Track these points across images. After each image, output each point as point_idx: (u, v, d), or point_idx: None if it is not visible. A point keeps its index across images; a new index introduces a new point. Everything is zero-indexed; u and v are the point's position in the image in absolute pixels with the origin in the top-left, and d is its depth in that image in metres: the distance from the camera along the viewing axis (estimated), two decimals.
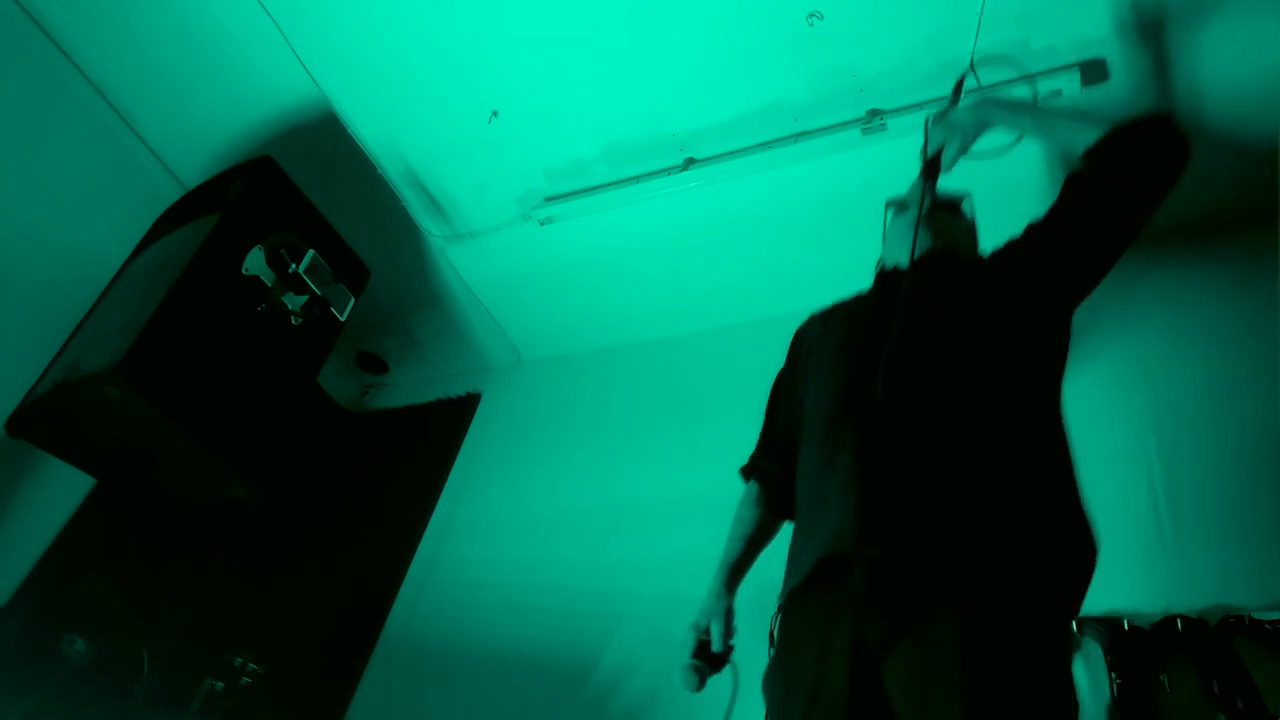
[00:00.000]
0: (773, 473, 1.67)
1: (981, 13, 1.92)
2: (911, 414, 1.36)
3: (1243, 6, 1.86)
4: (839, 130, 2.22)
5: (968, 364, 1.39)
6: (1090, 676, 1.62)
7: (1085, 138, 1.45)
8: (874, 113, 2.18)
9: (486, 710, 2.32)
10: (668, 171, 2.45)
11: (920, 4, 2.00)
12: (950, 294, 1.49)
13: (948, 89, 2.06)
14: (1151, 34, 1.93)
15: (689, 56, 2.23)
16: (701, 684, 1.46)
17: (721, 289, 2.79)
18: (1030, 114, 1.60)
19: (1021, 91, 1.78)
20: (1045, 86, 1.99)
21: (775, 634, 1.43)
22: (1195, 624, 1.61)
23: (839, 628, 1.27)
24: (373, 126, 2.63)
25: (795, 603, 1.38)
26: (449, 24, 2.32)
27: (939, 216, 1.67)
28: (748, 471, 1.72)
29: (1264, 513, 1.70)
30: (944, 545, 1.24)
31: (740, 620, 1.56)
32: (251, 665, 2.47)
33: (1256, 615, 1.58)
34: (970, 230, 1.76)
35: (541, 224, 2.66)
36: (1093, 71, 1.99)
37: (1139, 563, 1.75)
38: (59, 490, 2.64)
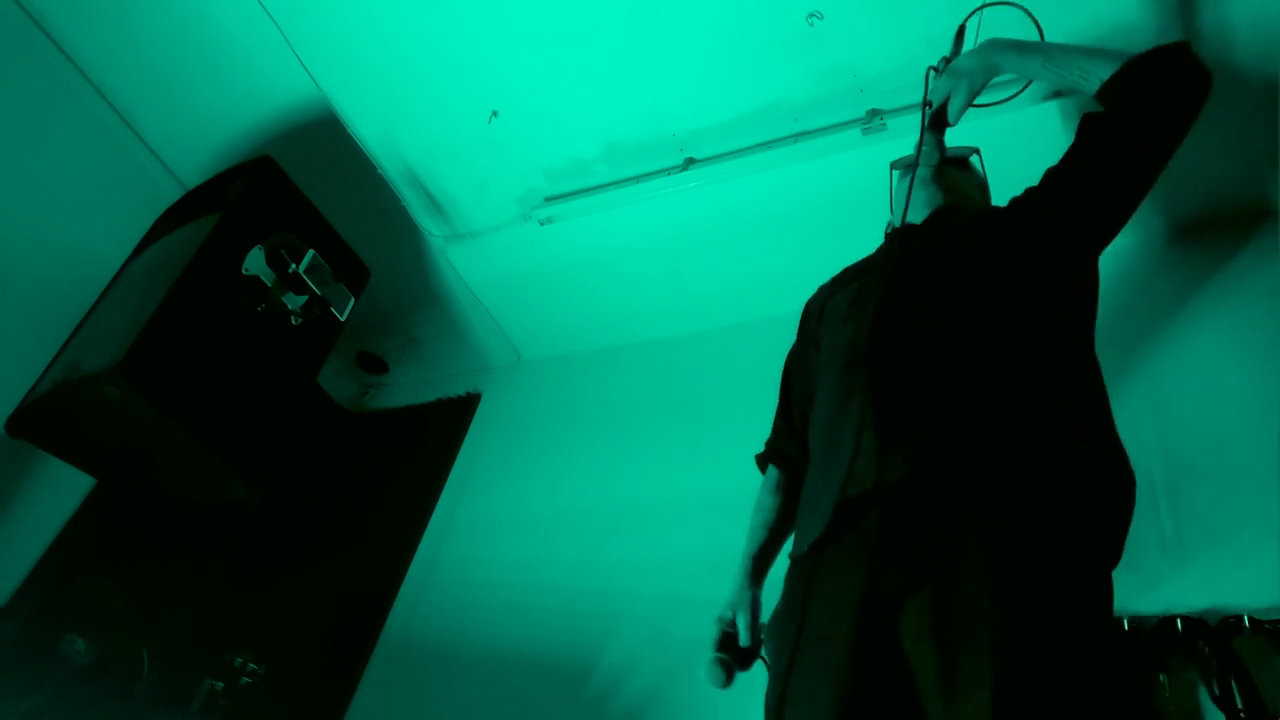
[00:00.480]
0: (792, 455, 1.61)
1: (981, 12, 1.92)
2: (929, 356, 1.31)
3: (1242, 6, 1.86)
4: (839, 130, 2.22)
5: (985, 308, 1.34)
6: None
7: (1099, 74, 1.38)
8: (874, 113, 2.18)
9: (486, 710, 2.32)
10: (668, 171, 2.45)
11: (920, 4, 2.00)
12: (964, 242, 1.44)
13: None
14: (1152, 34, 1.93)
15: (689, 56, 2.23)
16: (729, 679, 1.39)
17: (721, 289, 2.79)
18: (1039, 54, 1.47)
19: (1027, 29, 1.67)
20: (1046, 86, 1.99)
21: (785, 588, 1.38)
22: (1195, 624, 1.61)
23: (850, 575, 1.22)
24: (373, 126, 2.63)
25: (807, 556, 1.32)
26: (449, 24, 2.32)
27: (948, 173, 1.61)
28: (765, 458, 1.67)
29: (1264, 513, 1.70)
30: (967, 478, 1.19)
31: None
32: (251, 665, 2.47)
33: (1256, 615, 1.58)
34: (981, 186, 1.71)
35: (541, 224, 2.66)
36: None
37: (1139, 563, 1.75)
38: (59, 490, 2.64)
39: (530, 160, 2.58)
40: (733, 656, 1.40)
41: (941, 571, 1.15)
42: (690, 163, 2.43)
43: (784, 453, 1.64)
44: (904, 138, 2.08)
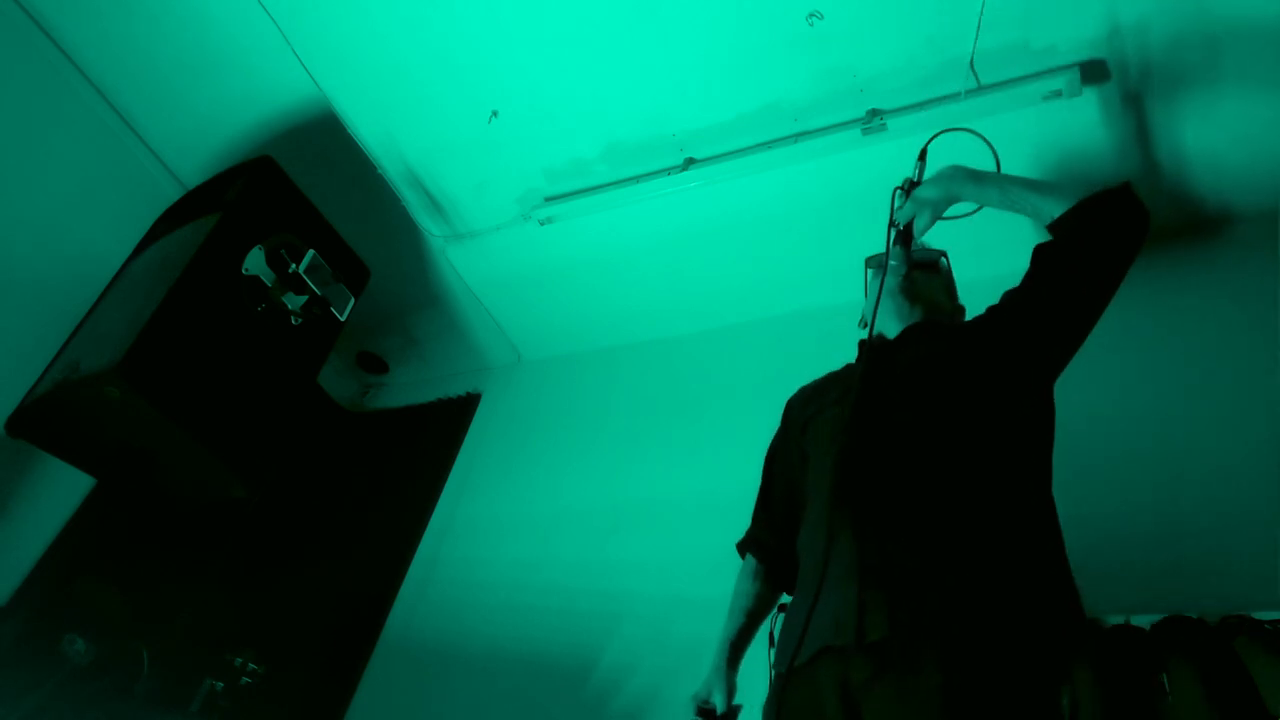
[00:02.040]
0: (771, 545, 1.69)
1: (981, 13, 1.92)
2: (906, 496, 1.38)
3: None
4: (839, 130, 2.22)
5: (957, 443, 1.42)
6: (1090, 676, 1.62)
7: (1051, 211, 1.50)
8: (874, 113, 2.18)
9: (486, 710, 2.32)
10: (668, 171, 2.45)
11: (920, 4, 2.00)
12: (931, 372, 1.52)
13: (948, 89, 2.08)
14: (1151, 34, 1.93)
15: (689, 56, 2.23)
16: None
17: (721, 289, 2.79)
18: (996, 187, 1.61)
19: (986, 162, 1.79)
20: (1045, 86, 2.00)
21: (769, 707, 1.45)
22: (1195, 624, 1.61)
23: (830, 678, 1.31)
24: (373, 126, 2.63)
25: (789, 679, 1.38)
26: (449, 24, 2.32)
27: (916, 279, 1.71)
28: (745, 546, 1.73)
29: (1264, 513, 1.70)
30: (937, 628, 1.26)
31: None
32: (251, 665, 2.47)
33: (1256, 615, 1.58)
34: (948, 287, 1.80)
35: (541, 224, 2.66)
36: (1093, 71, 2.00)
37: (1139, 563, 1.75)
38: (59, 490, 2.64)
39: (530, 160, 2.58)
40: None
41: (902, 665, 1.25)
42: (690, 163, 2.43)
43: (763, 542, 1.71)
44: (904, 138, 2.09)
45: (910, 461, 1.42)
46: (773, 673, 1.49)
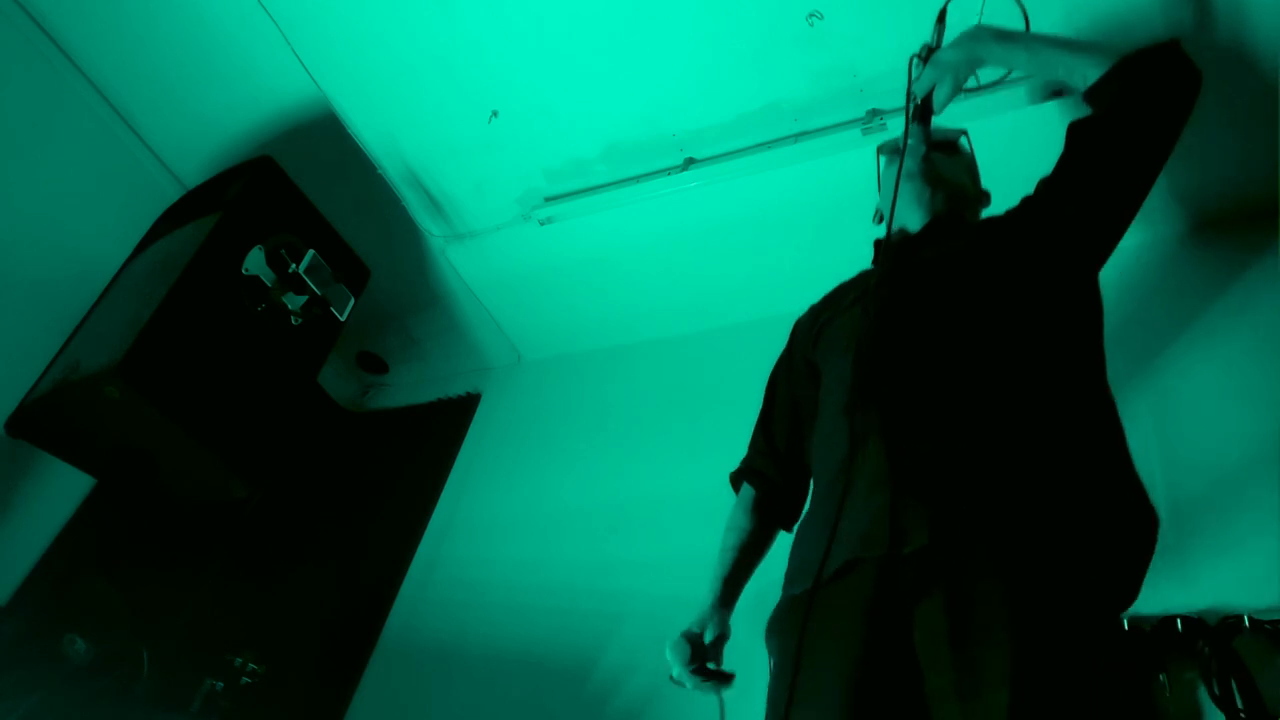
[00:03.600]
0: (770, 476, 1.58)
1: (981, 13, 1.92)
2: (941, 396, 1.25)
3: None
4: (839, 130, 2.22)
5: (993, 339, 1.30)
6: None
7: (1086, 74, 1.35)
8: (874, 113, 2.18)
9: (486, 710, 2.32)
10: (668, 171, 2.45)
11: (920, 4, 2.00)
12: (964, 264, 1.40)
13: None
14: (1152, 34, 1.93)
15: (689, 56, 2.23)
16: (694, 658, 1.39)
17: (721, 289, 2.79)
18: (1023, 48, 1.42)
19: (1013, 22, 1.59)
20: None
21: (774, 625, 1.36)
22: (1195, 624, 1.61)
23: (862, 580, 1.18)
24: (373, 126, 2.63)
25: (802, 600, 1.26)
26: (449, 24, 2.32)
27: (935, 160, 1.57)
28: (739, 476, 1.63)
29: (1264, 513, 1.70)
30: (988, 533, 1.14)
31: (739, 622, 1.55)
32: (251, 665, 2.47)
33: (1256, 615, 1.58)
34: (970, 169, 1.67)
35: (541, 224, 2.66)
36: None
37: None
38: (59, 490, 2.64)
39: (530, 160, 2.58)
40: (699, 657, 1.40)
41: (953, 573, 1.13)
42: (690, 163, 2.43)
43: (761, 473, 1.60)
44: None
45: (943, 354, 1.28)
46: (783, 594, 1.38)
